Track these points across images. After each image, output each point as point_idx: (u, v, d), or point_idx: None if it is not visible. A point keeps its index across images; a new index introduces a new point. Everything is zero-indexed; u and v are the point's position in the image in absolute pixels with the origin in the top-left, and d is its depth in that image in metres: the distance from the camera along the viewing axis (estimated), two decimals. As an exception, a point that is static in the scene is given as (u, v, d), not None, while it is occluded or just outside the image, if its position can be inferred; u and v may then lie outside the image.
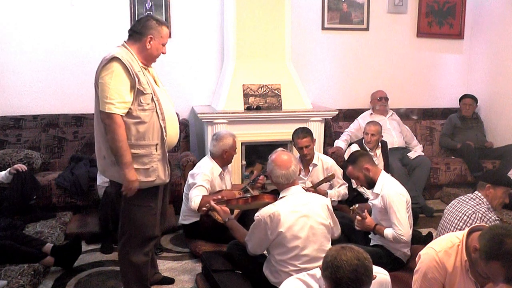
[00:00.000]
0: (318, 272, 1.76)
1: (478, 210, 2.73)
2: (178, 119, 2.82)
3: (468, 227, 2.24)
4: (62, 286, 2.99)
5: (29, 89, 4.56)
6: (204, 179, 3.37)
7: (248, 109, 4.36)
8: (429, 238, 3.41)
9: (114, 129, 2.34)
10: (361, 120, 4.79)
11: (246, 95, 4.40)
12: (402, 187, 2.95)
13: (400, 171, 4.44)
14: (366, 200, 3.60)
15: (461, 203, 2.85)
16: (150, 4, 4.65)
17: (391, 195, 2.82)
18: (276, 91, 4.48)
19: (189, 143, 4.75)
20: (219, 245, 3.31)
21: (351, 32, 5.25)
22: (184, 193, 3.58)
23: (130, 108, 2.39)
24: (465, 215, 2.75)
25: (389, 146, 4.42)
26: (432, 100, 5.59)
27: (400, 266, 2.90)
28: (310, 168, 3.85)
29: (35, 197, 3.71)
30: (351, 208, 3.02)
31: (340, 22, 5.19)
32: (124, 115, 2.37)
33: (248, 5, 4.41)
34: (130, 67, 2.38)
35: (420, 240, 3.29)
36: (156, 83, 2.58)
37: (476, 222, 2.67)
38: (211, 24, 4.86)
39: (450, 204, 2.95)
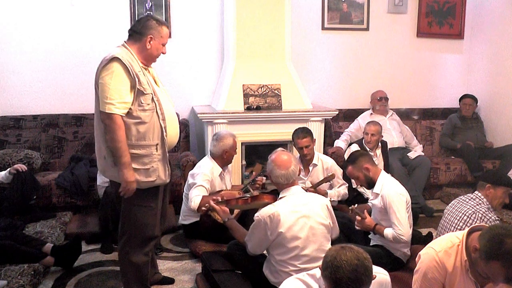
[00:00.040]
0: (318, 272, 1.76)
1: (478, 210, 2.73)
2: (178, 119, 2.82)
3: (468, 227, 2.24)
4: (62, 286, 2.99)
5: (29, 89, 4.56)
6: (204, 179, 3.37)
7: (248, 109, 4.36)
8: (429, 238, 3.41)
9: (113, 129, 2.34)
10: (361, 120, 4.79)
11: (246, 95, 4.40)
12: (402, 187, 2.95)
13: (400, 171, 4.44)
14: (366, 200, 3.60)
15: (461, 203, 2.85)
16: (150, 4, 4.65)
17: (391, 195, 2.82)
18: (276, 91, 4.48)
19: (189, 143, 4.76)
20: (219, 245, 3.32)
21: (351, 32, 5.25)
22: (184, 193, 3.59)
23: (130, 108, 2.39)
24: (465, 215, 2.75)
25: (389, 146, 4.42)
26: (432, 100, 5.60)
27: (400, 266, 2.90)
28: (310, 168, 3.85)
29: (35, 197, 3.71)
30: (350, 208, 3.02)
31: (340, 22, 5.19)
32: (124, 115, 2.37)
33: (248, 5, 4.41)
34: (130, 67, 2.38)
35: (420, 240, 3.29)
36: (156, 83, 2.58)
37: (476, 222, 2.67)
38: (211, 24, 4.86)
39: (450, 204, 2.95)
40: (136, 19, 4.12)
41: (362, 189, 3.97)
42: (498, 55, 5.20)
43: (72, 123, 4.54)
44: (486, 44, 5.37)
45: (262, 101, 4.42)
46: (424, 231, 3.71)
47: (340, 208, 3.81)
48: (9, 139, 4.33)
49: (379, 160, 4.20)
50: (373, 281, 1.65)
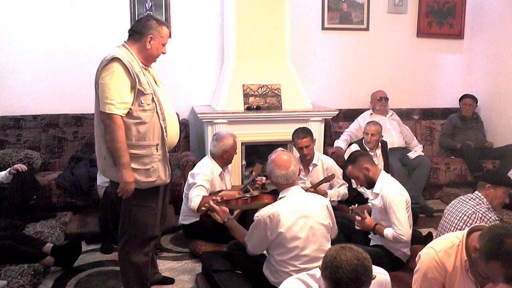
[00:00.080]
0: (317, 272, 1.76)
1: (478, 210, 2.73)
2: (178, 119, 2.82)
3: (468, 227, 2.24)
4: (62, 286, 2.99)
5: (29, 89, 4.56)
6: (204, 179, 3.37)
7: (248, 109, 4.36)
8: (429, 238, 3.41)
9: (113, 129, 2.34)
10: (361, 120, 4.79)
11: (246, 95, 4.40)
12: (402, 187, 2.95)
13: (400, 171, 4.44)
14: (366, 200, 3.60)
15: (461, 203, 2.85)
16: (150, 4, 4.65)
17: (390, 195, 2.82)
18: (276, 91, 4.48)
19: (189, 143, 4.76)
20: (219, 245, 3.32)
21: (351, 32, 5.25)
22: (184, 193, 3.59)
23: (130, 109, 2.39)
24: (465, 215, 2.75)
25: (389, 146, 4.42)
26: (432, 100, 5.60)
27: (400, 266, 2.90)
28: (310, 168, 3.85)
29: (35, 197, 3.71)
30: (350, 208, 3.02)
31: (340, 22, 5.19)
32: (124, 115, 2.37)
33: (248, 5, 4.41)
34: (131, 68, 2.38)
35: (420, 240, 3.29)
36: (156, 83, 2.58)
37: (476, 222, 2.67)
38: (211, 24, 4.86)
39: (450, 204, 2.95)
40: (136, 19, 4.12)
41: (362, 189, 3.97)
42: (498, 55, 5.20)
43: (72, 123, 4.54)
44: (486, 44, 5.37)
45: (262, 101, 4.42)
46: (424, 231, 3.71)
47: (340, 208, 3.81)
48: (9, 139, 4.33)
49: (379, 160, 4.20)
50: (373, 281, 1.65)
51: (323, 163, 3.85)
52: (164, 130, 2.49)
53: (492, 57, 5.29)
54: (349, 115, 5.14)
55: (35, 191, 3.69)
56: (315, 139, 3.91)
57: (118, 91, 2.34)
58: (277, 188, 2.61)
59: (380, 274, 1.81)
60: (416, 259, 2.10)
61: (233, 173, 4.18)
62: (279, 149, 2.74)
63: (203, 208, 3.06)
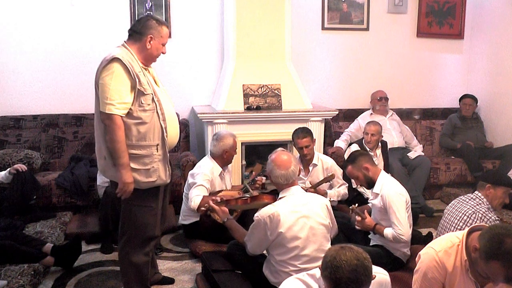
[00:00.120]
0: (317, 272, 1.76)
1: (478, 210, 2.73)
2: (178, 119, 2.82)
3: (468, 227, 2.24)
4: (62, 286, 2.99)
5: (29, 89, 4.56)
6: (204, 179, 3.37)
7: (248, 109, 4.36)
8: (429, 238, 3.41)
9: (113, 129, 2.34)
10: (361, 120, 4.79)
11: (246, 95, 4.40)
12: (402, 187, 2.95)
13: (400, 171, 4.44)
14: (366, 200, 3.60)
15: (461, 203, 2.85)
16: (150, 4, 4.65)
17: (390, 194, 2.83)
18: (276, 91, 4.48)
19: (189, 143, 4.75)
20: (219, 245, 3.31)
21: (351, 32, 5.25)
22: (184, 193, 3.59)
23: (130, 109, 2.39)
24: (465, 215, 2.75)
25: (389, 146, 4.42)
26: (432, 100, 5.59)
27: (400, 266, 2.90)
28: (310, 168, 3.85)
29: (35, 197, 3.71)
30: (350, 207, 3.03)
31: (340, 22, 5.19)
32: (124, 116, 2.37)
33: (248, 5, 4.41)
34: (131, 68, 2.38)
35: (420, 240, 3.29)
36: (156, 83, 2.58)
37: (476, 222, 2.67)
38: (211, 24, 4.86)
39: (450, 204, 2.95)
40: (136, 19, 4.13)
41: (362, 189, 3.97)
42: (498, 55, 5.20)
43: (72, 123, 4.54)
44: (486, 44, 5.37)
45: (262, 101, 4.42)
46: (424, 231, 3.71)
47: (340, 208, 3.81)
48: (9, 139, 4.33)
49: (379, 160, 4.20)
50: (373, 281, 1.65)
51: (323, 163, 3.85)
52: (164, 130, 2.49)
53: (492, 57, 5.29)
54: (349, 115, 5.14)
55: (35, 191, 3.69)
56: (315, 139, 3.91)
57: (118, 91, 2.34)
58: (277, 188, 2.61)
59: (380, 274, 1.81)
60: (416, 259, 2.10)
61: (233, 173, 4.18)
62: (279, 149, 2.74)
63: (203, 208, 3.06)
